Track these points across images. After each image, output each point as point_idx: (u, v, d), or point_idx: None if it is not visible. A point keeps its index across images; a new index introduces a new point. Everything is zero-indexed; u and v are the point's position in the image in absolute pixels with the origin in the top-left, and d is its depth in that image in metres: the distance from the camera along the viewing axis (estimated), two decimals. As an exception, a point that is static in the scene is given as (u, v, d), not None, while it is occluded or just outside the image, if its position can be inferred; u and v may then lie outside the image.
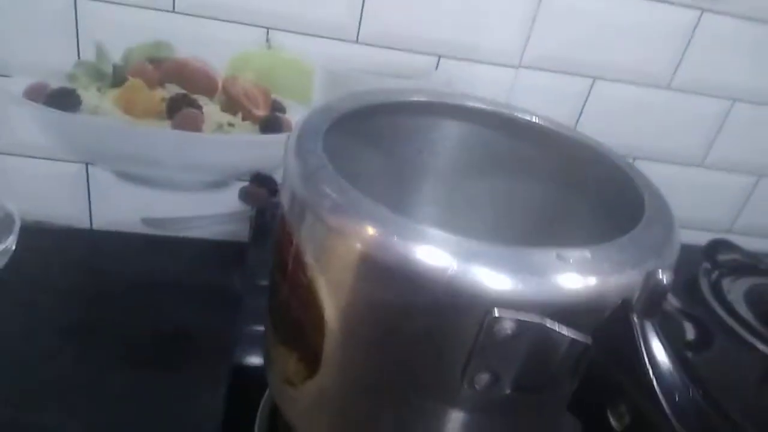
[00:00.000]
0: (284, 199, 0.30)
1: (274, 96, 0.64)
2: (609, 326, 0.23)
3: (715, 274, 0.68)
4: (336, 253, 0.26)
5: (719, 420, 0.21)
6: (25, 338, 0.54)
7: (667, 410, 0.20)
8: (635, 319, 0.22)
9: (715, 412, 0.21)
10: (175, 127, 0.63)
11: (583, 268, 0.24)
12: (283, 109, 0.64)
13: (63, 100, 0.60)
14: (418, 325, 0.25)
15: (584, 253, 0.25)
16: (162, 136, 0.64)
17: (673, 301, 0.60)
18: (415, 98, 0.39)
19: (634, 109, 0.71)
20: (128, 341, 0.56)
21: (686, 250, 0.77)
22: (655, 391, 0.20)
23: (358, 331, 0.27)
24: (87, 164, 0.65)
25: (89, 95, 0.61)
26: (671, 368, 0.21)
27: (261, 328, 0.48)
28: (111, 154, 0.65)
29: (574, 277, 0.24)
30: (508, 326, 0.24)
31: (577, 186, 0.36)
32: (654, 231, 0.28)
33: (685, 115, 0.72)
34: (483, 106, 0.39)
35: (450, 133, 0.40)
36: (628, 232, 0.28)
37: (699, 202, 0.79)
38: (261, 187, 0.68)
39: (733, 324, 0.61)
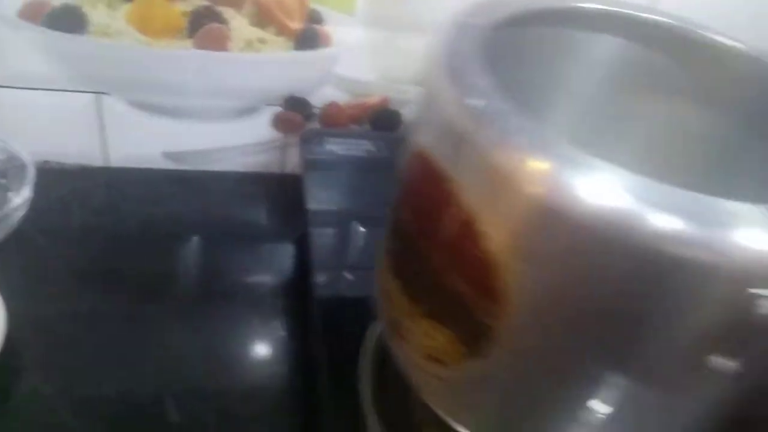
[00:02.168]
0: (426, 130, 0.24)
1: (311, 5, 0.55)
2: None
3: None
4: (536, 219, 0.20)
5: None
6: (43, 286, 0.49)
7: None
8: None
9: None
10: (198, 46, 0.55)
11: None
12: (320, 20, 0.56)
13: (66, 20, 0.51)
14: (639, 301, 0.20)
15: None
16: (183, 57, 0.55)
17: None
18: (583, 4, 0.31)
19: None
20: (160, 288, 0.51)
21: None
22: None
23: (554, 312, 0.22)
24: (99, 94, 0.57)
25: (97, 13, 0.52)
26: None
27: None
28: (125, 81, 0.56)
29: None
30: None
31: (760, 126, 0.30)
32: None
33: None
34: (663, 21, 0.32)
35: (620, 48, 0.33)
36: None
37: None
38: (296, 113, 0.61)
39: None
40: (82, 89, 0.56)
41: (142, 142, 0.61)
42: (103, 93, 0.57)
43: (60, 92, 0.56)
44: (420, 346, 0.28)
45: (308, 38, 0.56)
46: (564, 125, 0.34)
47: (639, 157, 0.32)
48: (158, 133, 0.60)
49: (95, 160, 0.61)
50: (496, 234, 0.22)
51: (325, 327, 0.40)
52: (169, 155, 0.63)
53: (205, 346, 0.48)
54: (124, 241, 0.56)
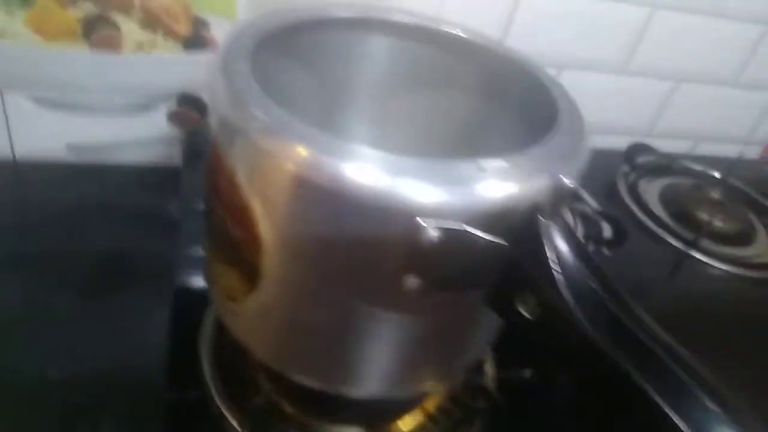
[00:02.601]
0: (213, 122, 0.30)
1: (195, 11, 0.61)
2: (522, 228, 0.26)
3: (632, 176, 0.73)
4: (268, 175, 0.27)
5: (616, 307, 0.24)
6: None
7: (570, 300, 0.22)
8: (541, 219, 0.24)
9: (612, 300, 0.24)
10: (93, 48, 0.60)
11: (500, 177, 0.26)
12: (206, 25, 0.62)
13: (-36, 22, 0.56)
14: (352, 239, 0.27)
15: (501, 163, 0.27)
16: (79, 58, 0.61)
17: (591, 203, 0.64)
18: (341, 14, 0.38)
19: (561, 17, 0.72)
20: (63, 272, 0.56)
21: (608, 154, 0.81)
22: (557, 282, 0.23)
23: (295, 247, 0.28)
24: (1, 91, 0.61)
25: (-6, 16, 0.57)
26: (572, 262, 0.23)
27: (200, 251, 0.48)
28: (26, 80, 0.61)
29: (492, 185, 0.26)
30: (433, 234, 0.25)
31: (499, 98, 0.38)
32: (565, 139, 0.30)
33: (609, 23, 0.74)
34: (409, 20, 0.39)
35: (378, 48, 0.40)
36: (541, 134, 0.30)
37: (621, 107, 0.83)
38: (189, 109, 0.66)
39: (646, 221, 0.66)
40: (-15, 86, 0.61)
41: (46, 135, 0.66)
42: (4, 90, 0.61)
43: (-38, 89, 0.60)
44: (221, 288, 0.34)
45: (195, 41, 0.62)
46: (358, 115, 0.41)
47: (416, 136, 0.40)
48: (62, 127, 0.65)
49: (2, 153, 0.66)
50: (247, 185, 0.28)
51: (177, 306, 0.45)
52: (73, 147, 0.67)
53: (96, 325, 0.52)
54: (28, 228, 0.60)
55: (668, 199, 0.70)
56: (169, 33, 0.61)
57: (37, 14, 0.58)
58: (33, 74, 0.61)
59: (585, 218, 0.62)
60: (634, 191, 0.70)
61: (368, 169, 0.25)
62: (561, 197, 0.25)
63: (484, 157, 0.27)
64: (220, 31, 0.62)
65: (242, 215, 0.29)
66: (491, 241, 0.26)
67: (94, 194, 0.66)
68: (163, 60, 0.63)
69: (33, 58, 0.60)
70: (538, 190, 0.26)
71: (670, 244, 0.63)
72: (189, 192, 0.57)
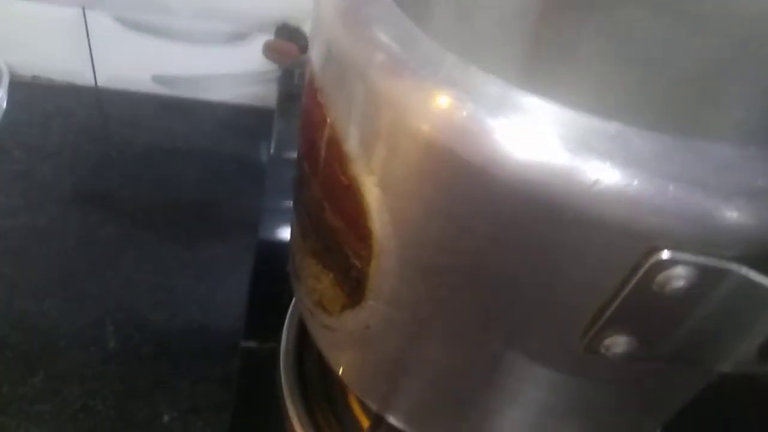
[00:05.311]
0: (315, 53, 0.20)
1: None
2: None
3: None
4: (395, 140, 0.16)
5: None
6: (24, 211, 0.48)
7: None
8: None
9: None
10: (185, -39, 0.51)
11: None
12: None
13: None
14: (522, 257, 0.16)
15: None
16: (169, -28, 0.52)
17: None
18: None
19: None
20: (140, 216, 0.50)
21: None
22: None
23: (423, 255, 0.18)
24: (84, 9, 0.54)
25: None
26: None
27: (287, 203, 0.41)
28: (110, -6, 0.54)
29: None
30: (680, 274, 0.14)
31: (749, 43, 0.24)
32: None
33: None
34: None
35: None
36: None
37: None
38: (288, 41, 0.57)
39: None
40: (65, 2, 0.53)
41: (130, 62, 0.58)
42: (87, 6, 0.54)
43: (44, 3, 0.53)
44: (310, 290, 0.24)
45: (302, -41, 0.52)
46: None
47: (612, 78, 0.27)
48: (147, 54, 0.58)
49: (84, 78, 0.59)
50: (360, 155, 0.18)
51: (259, 272, 0.38)
52: (158, 79, 0.60)
53: (158, 277, 0.46)
54: (101, 162, 0.54)
55: None
56: (272, -54, 0.51)
57: None
58: (116, -11, 0.53)
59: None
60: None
61: (568, 145, 0.14)
62: None
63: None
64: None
65: (347, 199, 0.19)
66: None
67: (179, 133, 0.59)
68: (262, -19, 0.53)
69: (117, -30, 0.52)
70: None
71: None
72: (281, 139, 0.48)
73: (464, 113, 0.15)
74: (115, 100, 0.60)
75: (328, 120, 0.19)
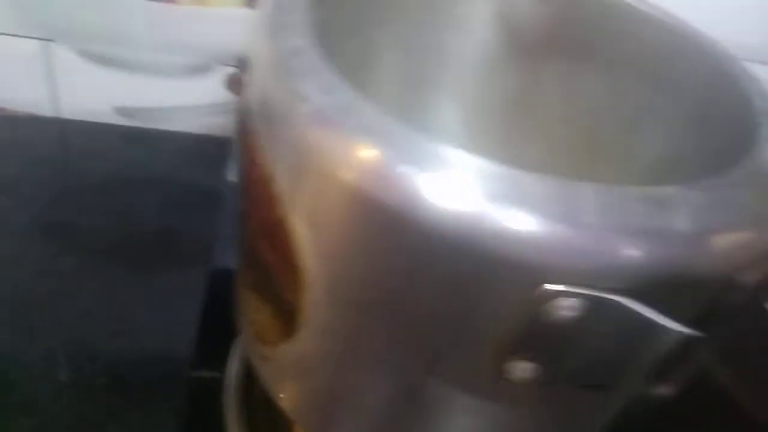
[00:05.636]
0: (250, 96, 0.21)
1: (263, -39, 0.52)
2: (727, 312, 0.15)
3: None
4: (318, 184, 0.18)
5: None
6: None
7: None
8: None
9: None
10: (146, -4, 0.52)
11: (693, 221, 0.16)
12: (275, -21, 0.53)
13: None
14: (432, 291, 0.17)
15: (692, 194, 0.17)
16: (130, 7, 0.53)
17: None
18: None
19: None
20: (98, 246, 0.50)
21: None
22: None
23: (349, 291, 0.19)
24: (47, 41, 0.55)
25: (38, -45, 0.50)
26: None
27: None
28: (71, 30, 0.54)
29: (672, 233, 0.16)
30: (571, 305, 0.16)
31: (664, 84, 0.26)
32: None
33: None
34: None
35: (486, 5, 0.30)
36: (736, 155, 0.19)
37: None
38: (249, 74, 0.58)
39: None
40: (29, 35, 0.54)
41: (93, 94, 0.59)
42: (50, 40, 0.55)
43: (6, 36, 0.54)
44: (250, 321, 0.25)
45: (261, -4, 0.53)
46: (452, 94, 0.31)
47: (537, 127, 0.29)
48: (110, 86, 0.59)
49: (47, 110, 0.60)
50: (288, 195, 0.19)
51: (210, 300, 0.38)
52: (120, 110, 0.61)
53: (113, 307, 0.46)
54: (60, 192, 0.54)
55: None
56: (232, -16, 0.53)
57: (84, -46, 0.50)
58: (79, 24, 0.54)
59: None
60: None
61: (472, 191, 0.16)
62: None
63: (647, 169, 0.17)
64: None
65: (278, 236, 0.20)
66: (665, 326, 0.16)
67: (140, 162, 0.59)
68: (223, 15, 0.54)
69: (79, 5, 0.53)
70: (757, 256, 0.16)
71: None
72: (236, 168, 0.49)
73: (382, 162, 0.17)
74: (77, 131, 0.60)
75: (259, 161, 0.20)
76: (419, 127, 0.17)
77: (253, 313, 0.24)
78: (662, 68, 0.25)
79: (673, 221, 0.16)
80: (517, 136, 0.30)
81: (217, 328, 0.42)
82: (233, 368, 0.35)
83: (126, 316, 0.45)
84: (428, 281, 0.17)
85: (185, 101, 0.60)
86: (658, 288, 0.16)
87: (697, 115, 0.24)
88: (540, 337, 0.17)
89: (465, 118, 0.33)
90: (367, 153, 0.17)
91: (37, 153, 0.57)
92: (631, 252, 0.16)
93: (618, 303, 0.16)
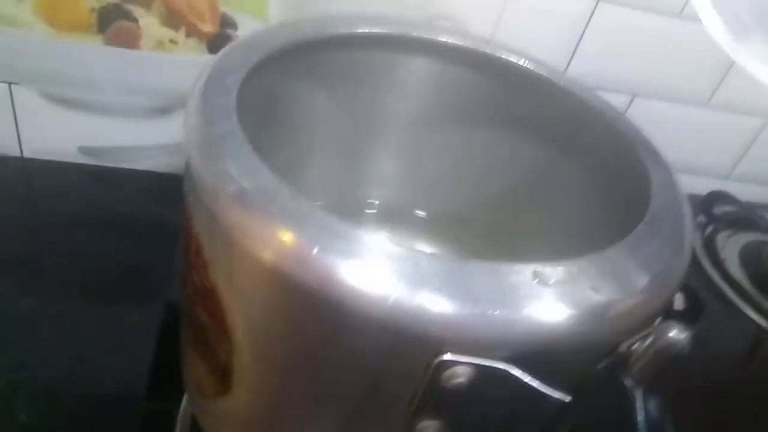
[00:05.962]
0: (185, 172, 0.23)
1: (222, 9, 0.54)
2: (596, 382, 0.17)
3: (709, 229, 0.63)
4: (239, 261, 0.19)
5: None
6: None
7: None
8: (629, 385, 0.16)
9: None
10: (108, 42, 0.54)
11: (567, 295, 0.18)
12: (234, 25, 0.55)
13: (-30, 7, 0.51)
14: (346, 359, 0.19)
15: (569, 270, 0.19)
16: (93, 53, 0.54)
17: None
18: (376, 29, 0.31)
19: (639, 38, 0.62)
20: (59, 285, 0.51)
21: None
22: None
23: (272, 354, 0.21)
24: (11, 84, 0.56)
25: (3, 3, 0.51)
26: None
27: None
28: (35, 73, 0.56)
29: (554, 307, 0.18)
30: (461, 372, 0.18)
31: (569, 147, 0.29)
32: (661, 232, 0.21)
33: (694, 49, 0.64)
34: (457, 42, 0.31)
35: (419, 72, 0.33)
36: (627, 210, 0.22)
37: (699, 145, 0.72)
38: (212, 116, 0.60)
39: (723, 286, 0.56)
40: (-8, 78, 0.55)
41: (56, 135, 0.60)
42: (13, 83, 0.56)
43: (-32, 79, 0.55)
44: (191, 374, 0.27)
45: (222, 41, 0.55)
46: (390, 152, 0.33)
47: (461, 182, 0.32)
48: (73, 126, 0.60)
49: (10, 149, 0.61)
50: (214, 265, 0.21)
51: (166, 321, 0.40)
52: (84, 150, 0.62)
53: (73, 347, 0.47)
54: (22, 232, 0.55)
55: (750, 260, 0.60)
56: (193, 31, 0.55)
57: (47, 2, 0.52)
58: (43, 68, 0.55)
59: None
60: (710, 247, 0.60)
61: (377, 273, 0.18)
62: (665, 357, 0.17)
63: (545, 252, 0.19)
64: (249, 31, 0.55)
65: (210, 300, 0.22)
66: (546, 394, 0.18)
67: (103, 201, 0.60)
68: (185, 61, 0.56)
69: (43, 50, 0.54)
70: (625, 329, 0.18)
71: (749, 318, 0.53)
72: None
73: (298, 244, 0.18)
74: (40, 170, 0.61)
75: (193, 231, 0.22)
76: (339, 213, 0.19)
77: (193, 367, 0.26)
78: (572, 135, 0.28)
79: (555, 296, 0.18)
80: (446, 188, 0.32)
81: (173, 360, 0.43)
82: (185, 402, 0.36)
83: (87, 356, 0.46)
84: (342, 351, 0.19)
85: (148, 141, 0.62)
86: (540, 358, 0.18)
87: (601, 176, 0.27)
88: (440, 400, 0.18)
89: (403, 172, 0.36)
90: (284, 236, 0.18)
91: (0, 192, 0.58)
92: (515, 326, 0.18)
93: (504, 371, 0.17)
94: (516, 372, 0.17)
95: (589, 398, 0.17)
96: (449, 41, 0.31)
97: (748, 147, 0.74)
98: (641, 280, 0.19)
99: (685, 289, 0.50)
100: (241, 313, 0.20)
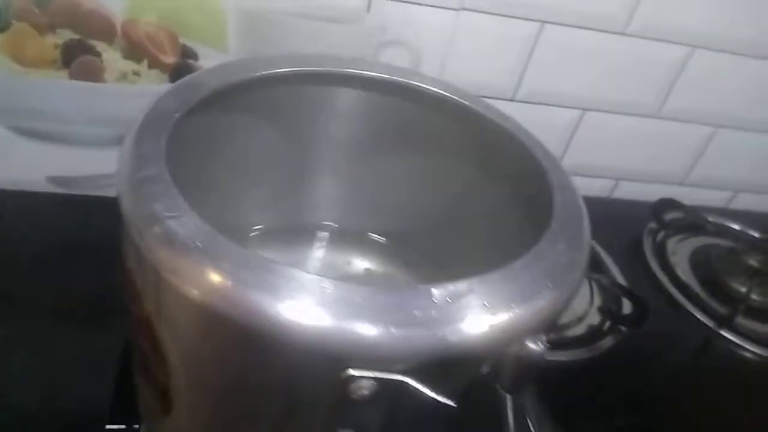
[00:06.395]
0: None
1: (183, 40, 0.56)
2: (477, 392, 0.20)
3: (660, 235, 0.65)
4: (168, 296, 0.21)
5: None
6: None
7: None
8: (500, 391, 0.18)
9: None
10: (73, 77, 0.56)
11: (459, 312, 0.20)
12: (195, 56, 0.57)
13: (-65, 47, 0.52)
14: (270, 381, 0.21)
15: (464, 288, 0.21)
16: (59, 87, 0.56)
17: (611, 272, 0.57)
18: (313, 67, 0.33)
19: (586, 55, 0.65)
20: (32, 314, 0.52)
21: (636, 206, 0.74)
22: None
23: (204, 378, 0.23)
24: (-24, 118, 0.58)
25: (-34, 42, 0.53)
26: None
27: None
28: (3, 107, 0.57)
29: (446, 324, 0.20)
30: (364, 385, 0.20)
31: (487, 170, 0.32)
32: (555, 253, 0.23)
33: (641, 63, 0.67)
34: (389, 75, 0.33)
35: (352, 102, 0.35)
36: (535, 226, 0.24)
37: (653, 154, 0.75)
38: (178, 143, 0.62)
39: (673, 290, 0.58)
40: (-43, 113, 0.57)
41: (25, 165, 0.62)
42: (-21, 118, 0.58)
43: (-65, 115, 0.57)
44: (141, 397, 0.28)
45: (183, 72, 0.57)
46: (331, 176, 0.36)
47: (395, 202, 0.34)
48: (42, 158, 0.61)
49: (-21, 181, 0.62)
50: (153, 305, 0.23)
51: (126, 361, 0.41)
52: (52, 180, 0.63)
53: (47, 375, 0.48)
54: (6, 264, 0.56)
55: (699, 264, 0.62)
56: (155, 63, 0.57)
57: (12, 39, 0.54)
58: (9, 102, 0.57)
59: (603, 289, 0.55)
60: (661, 253, 0.63)
61: (291, 303, 0.20)
62: (525, 367, 0.19)
63: (452, 267, 0.22)
64: (210, 62, 0.58)
65: (147, 329, 0.23)
66: (437, 400, 0.20)
67: (74, 229, 0.62)
68: (148, 91, 0.58)
69: (10, 85, 0.56)
70: (502, 343, 0.20)
71: (699, 320, 0.56)
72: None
73: (223, 281, 0.20)
74: (9, 201, 0.63)
75: (127, 267, 0.24)
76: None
77: (141, 390, 0.28)
78: (486, 156, 0.31)
79: (448, 314, 0.20)
80: (386, 207, 0.35)
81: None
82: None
83: (61, 383, 0.47)
84: (266, 374, 0.21)
85: (114, 169, 0.63)
86: (433, 369, 0.20)
87: (509, 189, 0.29)
88: (350, 410, 0.20)
89: (353, 195, 0.38)
90: (208, 273, 0.20)
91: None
92: (410, 342, 0.20)
93: (401, 382, 0.20)
94: (412, 382, 0.19)
95: (473, 405, 0.20)
96: (377, 74, 0.33)
97: (701, 153, 0.78)
98: (531, 294, 0.22)
99: (631, 294, 0.53)
100: (173, 342, 0.22)
